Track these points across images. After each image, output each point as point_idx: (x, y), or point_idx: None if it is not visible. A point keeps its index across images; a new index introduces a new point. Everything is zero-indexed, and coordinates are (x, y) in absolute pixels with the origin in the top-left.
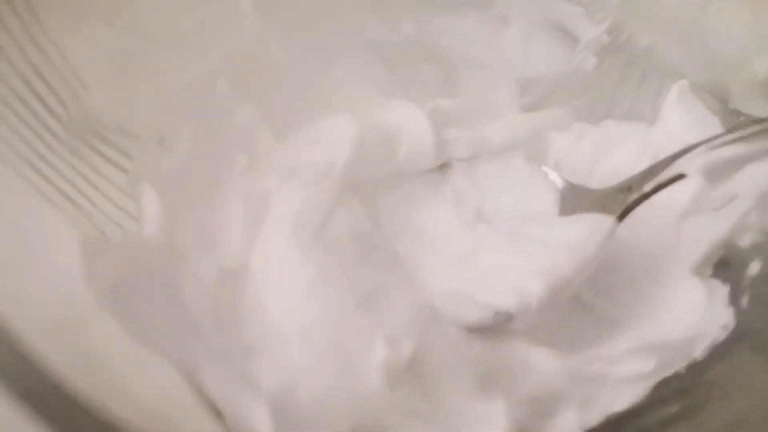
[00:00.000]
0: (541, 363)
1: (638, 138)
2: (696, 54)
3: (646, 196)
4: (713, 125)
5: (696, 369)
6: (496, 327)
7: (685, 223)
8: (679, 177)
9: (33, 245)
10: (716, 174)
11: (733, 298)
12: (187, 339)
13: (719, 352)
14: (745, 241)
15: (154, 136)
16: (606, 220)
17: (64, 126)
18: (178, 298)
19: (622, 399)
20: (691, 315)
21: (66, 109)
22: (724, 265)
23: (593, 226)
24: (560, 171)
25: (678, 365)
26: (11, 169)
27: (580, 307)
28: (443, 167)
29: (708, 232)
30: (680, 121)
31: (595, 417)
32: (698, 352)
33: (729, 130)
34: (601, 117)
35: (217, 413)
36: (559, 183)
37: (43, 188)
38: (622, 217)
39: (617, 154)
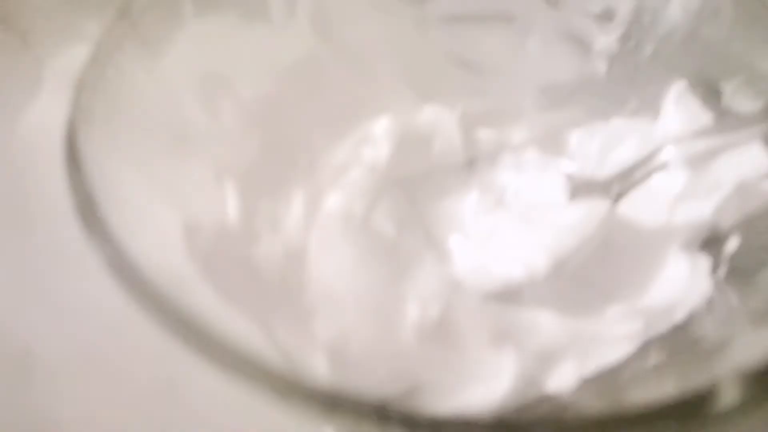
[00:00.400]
0: (545, 323)
1: (641, 134)
2: (695, 57)
3: (635, 183)
4: (706, 121)
5: (678, 329)
6: (508, 294)
7: (677, 207)
8: (663, 166)
9: (149, 225)
10: (697, 161)
11: (713, 270)
12: (263, 302)
13: (700, 315)
14: (725, 222)
15: (232, 141)
16: (603, 204)
17: (168, 134)
18: (254, 270)
19: (614, 353)
20: (676, 285)
21: (168, 120)
22: (708, 242)
23: (592, 209)
24: (574, 163)
25: (662, 327)
26: (133, 168)
27: (582, 278)
28: (471, 162)
29: (696, 215)
30: (677, 118)
31: (591, 368)
32: (679, 316)
33: (709, 125)
34: (611, 115)
35: (287, 359)
36: (568, 173)
37: (156, 185)
38: (616, 200)
39: (622, 148)
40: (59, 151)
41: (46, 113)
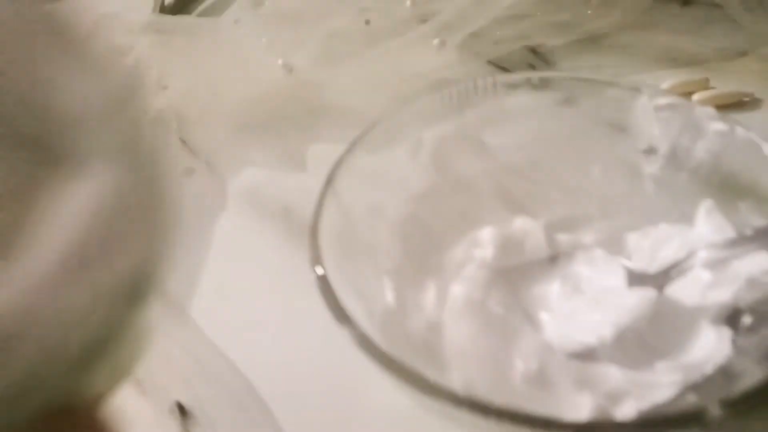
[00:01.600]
0: (613, 374)
1: (681, 237)
2: (718, 182)
3: (675, 277)
4: (728, 231)
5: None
6: (585, 354)
7: (707, 293)
8: (694, 266)
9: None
10: (718, 264)
11: (734, 339)
12: (416, 361)
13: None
14: (742, 303)
15: (385, 249)
16: (651, 293)
17: (347, 246)
18: (408, 338)
19: (663, 395)
20: (706, 348)
21: (348, 237)
22: (730, 318)
23: (644, 296)
24: (630, 259)
25: (695, 377)
26: (338, 275)
27: (639, 343)
28: (553, 258)
29: (721, 299)
30: (707, 227)
31: (646, 405)
32: (708, 369)
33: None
34: (658, 222)
35: None
36: (627, 268)
37: (348, 283)
38: (660, 290)
39: (667, 248)
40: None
41: (233, 224)
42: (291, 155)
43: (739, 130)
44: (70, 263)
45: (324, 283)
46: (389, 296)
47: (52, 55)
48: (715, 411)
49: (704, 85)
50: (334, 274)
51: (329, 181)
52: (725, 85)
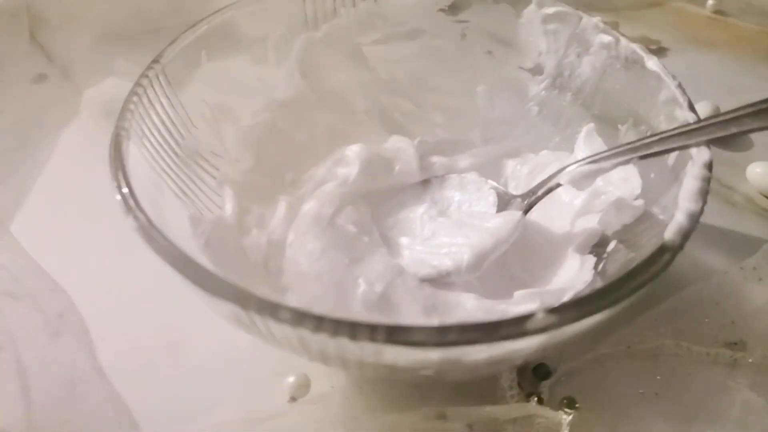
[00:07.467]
0: (466, 302)
1: (560, 163)
2: (600, 105)
3: (539, 198)
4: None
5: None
6: (439, 279)
7: (577, 220)
8: (557, 185)
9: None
10: (579, 181)
11: (597, 265)
12: (248, 278)
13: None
14: (609, 230)
15: (232, 157)
16: (516, 214)
17: (182, 150)
18: (243, 255)
19: None
20: (568, 276)
21: (184, 139)
22: (596, 245)
23: (508, 218)
24: (508, 186)
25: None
26: (155, 174)
27: (503, 272)
28: (425, 182)
29: (589, 225)
30: (585, 152)
31: None
32: (567, 297)
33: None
34: (540, 148)
35: None
36: (497, 191)
37: (171, 186)
38: (526, 212)
39: (545, 173)
40: (92, 162)
41: (83, 133)
42: None
43: (623, 42)
44: None
45: (126, 199)
46: (227, 207)
47: None
48: (540, 315)
49: (614, 28)
50: (151, 182)
51: (155, 65)
52: (634, 31)
